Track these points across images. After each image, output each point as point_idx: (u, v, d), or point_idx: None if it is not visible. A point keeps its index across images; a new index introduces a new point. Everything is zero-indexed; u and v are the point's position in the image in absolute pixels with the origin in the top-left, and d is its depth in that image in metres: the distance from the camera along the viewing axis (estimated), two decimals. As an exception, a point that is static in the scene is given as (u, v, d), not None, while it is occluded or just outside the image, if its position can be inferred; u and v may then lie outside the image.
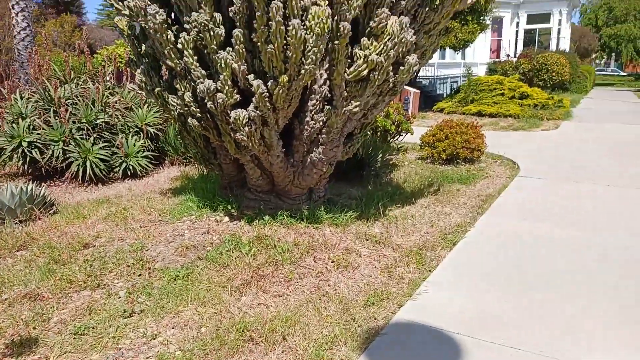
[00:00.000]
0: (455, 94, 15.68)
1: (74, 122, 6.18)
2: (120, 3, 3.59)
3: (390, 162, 7.25)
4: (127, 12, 3.44)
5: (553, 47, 25.00)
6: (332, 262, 3.45)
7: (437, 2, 3.49)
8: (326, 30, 2.91)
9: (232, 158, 4.15)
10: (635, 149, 8.11)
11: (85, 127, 6.19)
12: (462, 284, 3.16)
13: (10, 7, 9.78)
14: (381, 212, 4.49)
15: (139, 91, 4.06)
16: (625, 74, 46.93)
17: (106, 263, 3.45)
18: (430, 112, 14.70)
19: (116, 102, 6.59)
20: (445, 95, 17.66)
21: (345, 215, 4.26)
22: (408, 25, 3.10)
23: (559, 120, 11.77)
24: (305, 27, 2.93)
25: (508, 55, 23.32)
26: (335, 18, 3.06)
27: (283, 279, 3.20)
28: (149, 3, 3.12)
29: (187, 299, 2.94)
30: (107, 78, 7.75)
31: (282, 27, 2.88)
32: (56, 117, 6.15)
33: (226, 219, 4.21)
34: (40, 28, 24.62)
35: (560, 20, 25.64)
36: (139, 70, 3.93)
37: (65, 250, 3.68)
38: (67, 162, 6.00)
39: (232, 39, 3.01)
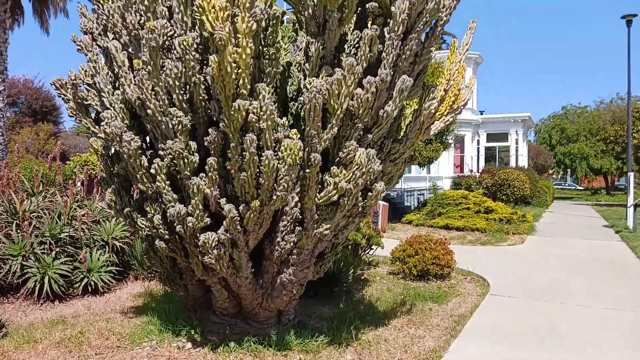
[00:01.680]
0: (423, 206, 16.12)
1: (36, 236, 6.00)
2: (97, 127, 3.69)
3: (362, 278, 7.17)
4: (102, 135, 3.53)
5: (513, 163, 26.54)
6: (301, 395, 3.23)
7: (402, 135, 3.71)
8: (297, 161, 3.02)
9: (198, 279, 4.03)
10: (598, 266, 8.30)
11: (48, 241, 6.00)
12: (438, 422, 2.98)
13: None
14: (353, 336, 4.34)
15: (108, 210, 4.03)
16: (582, 188, 49.63)
17: (53, 399, 3.15)
18: (399, 224, 14.94)
19: (83, 215, 6.49)
20: (412, 208, 18.12)
21: (316, 341, 4.09)
22: (375, 156, 3.26)
23: (524, 235, 12.10)
24: (277, 157, 3.04)
25: (471, 171, 24.53)
26: (307, 149, 3.20)
27: (247, 417, 2.96)
28: (125, 130, 3.22)
29: None
30: (78, 185, 7.73)
31: (255, 157, 2.98)
32: (18, 231, 5.97)
33: (189, 345, 3.98)
34: (15, 135, 24.83)
35: (517, 140, 27.57)
36: (109, 190, 3.94)
37: (9, 383, 3.37)
38: (24, 277, 5.72)
39: (206, 167, 3.09)
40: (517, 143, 27.66)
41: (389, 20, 3.07)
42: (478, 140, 27.70)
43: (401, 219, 15.56)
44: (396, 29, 3.00)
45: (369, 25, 3.45)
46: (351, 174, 3.36)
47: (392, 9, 2.98)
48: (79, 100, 3.65)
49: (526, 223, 13.51)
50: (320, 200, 3.48)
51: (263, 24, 2.93)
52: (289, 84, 3.95)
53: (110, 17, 3.24)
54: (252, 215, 3.24)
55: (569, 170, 42.33)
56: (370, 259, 8.11)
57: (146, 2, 3.00)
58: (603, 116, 37.08)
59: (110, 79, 3.51)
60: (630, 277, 7.40)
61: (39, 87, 31.49)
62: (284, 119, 3.25)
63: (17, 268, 5.65)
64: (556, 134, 38.79)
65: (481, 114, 29.24)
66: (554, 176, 51.72)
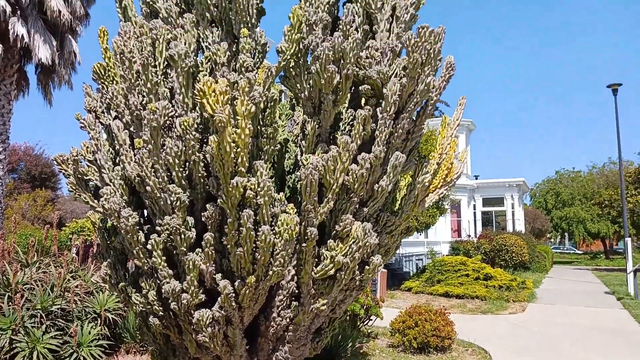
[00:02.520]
0: (422, 273, 15.94)
1: (27, 309, 5.88)
2: (96, 201, 3.73)
3: (361, 351, 6.97)
4: (101, 210, 3.56)
5: (510, 228, 26.54)
6: None
7: (397, 207, 3.76)
8: (294, 236, 3.04)
9: (191, 356, 3.92)
10: (601, 336, 8.10)
11: (39, 314, 5.87)
12: None
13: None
14: (351, 417, 4.17)
15: (103, 284, 3.99)
16: (580, 252, 49.28)
17: None
18: (399, 291, 14.71)
19: (77, 286, 6.39)
20: (411, 274, 17.90)
21: (312, 422, 3.91)
22: (371, 230, 3.28)
23: (525, 302, 11.90)
24: (274, 232, 3.06)
25: (469, 236, 24.47)
26: (303, 223, 3.23)
27: None
28: (124, 206, 3.25)
29: None
30: (73, 252, 7.65)
31: (252, 233, 3.00)
32: (10, 303, 5.85)
33: None
34: (13, 201, 24.84)
35: (513, 204, 27.73)
36: (105, 263, 3.91)
37: None
38: (13, 352, 5.54)
39: (203, 242, 3.10)
40: (513, 207, 27.82)
41: (381, 100, 3.21)
42: (474, 205, 27.86)
43: (400, 285, 15.35)
44: (388, 109, 3.13)
45: (362, 103, 3.60)
46: (348, 248, 3.36)
47: (384, 90, 3.12)
48: (79, 176, 3.71)
49: (526, 290, 13.33)
50: (317, 275, 3.46)
51: (261, 105, 3.06)
52: (286, 158, 4.05)
53: (114, 98, 3.37)
54: (247, 292, 3.21)
55: (566, 234, 42.23)
56: (369, 330, 7.92)
57: (149, 85, 3.14)
58: (596, 180, 37.56)
59: (111, 155, 3.59)
60: (635, 347, 7.21)
61: (40, 153, 31.90)
62: (281, 193, 3.31)
63: (5, 343, 5.49)
64: (551, 198, 39.06)
65: (476, 178, 29.59)
66: (552, 240, 51.49)
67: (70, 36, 14.51)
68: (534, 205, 40.96)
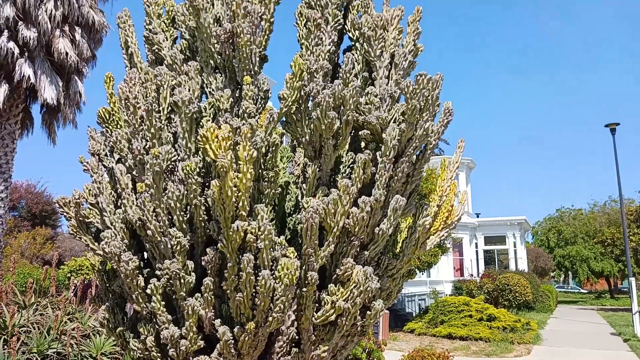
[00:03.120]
0: (424, 313, 15.68)
1: (23, 353, 5.77)
2: (96, 244, 3.73)
3: (362, 397, 6.79)
4: (101, 252, 3.55)
5: (512, 266, 26.27)
6: None
7: (398, 250, 3.75)
8: (294, 281, 3.02)
9: (190, 404, 3.82)
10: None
11: (35, 358, 5.76)
12: None
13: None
14: None
15: (101, 328, 3.93)
16: (585, 291, 48.54)
17: None
18: (401, 333, 14.43)
19: (73, 329, 6.29)
20: (414, 314, 17.60)
21: None
22: (372, 274, 3.27)
23: (530, 344, 11.65)
24: (274, 276, 3.04)
25: (471, 275, 24.20)
26: (304, 267, 3.21)
27: None
28: (124, 250, 3.25)
29: None
30: (71, 294, 7.57)
31: (252, 278, 2.99)
32: (5, 347, 5.75)
33: None
34: (12, 239, 24.73)
35: (515, 242, 27.54)
36: (103, 307, 3.87)
37: None
38: (4, 399, 5.41)
39: (202, 287, 3.08)
40: (515, 246, 27.62)
41: (380, 145, 3.25)
42: (476, 243, 27.67)
43: (403, 326, 15.07)
44: (388, 153, 3.17)
45: (362, 147, 3.64)
46: (349, 292, 3.33)
47: (384, 135, 3.17)
48: (81, 219, 3.72)
49: (531, 331, 13.09)
50: (318, 320, 3.41)
51: (263, 150, 3.10)
52: (287, 200, 4.06)
53: (118, 142, 3.42)
54: (247, 338, 3.16)
55: (570, 272, 41.72)
56: (370, 374, 7.72)
57: (152, 130, 3.19)
58: (598, 218, 37.38)
59: (113, 198, 3.61)
60: (645, 393, 7.02)
61: (41, 191, 31.93)
62: (282, 237, 3.31)
63: (-2, 388, 5.37)
64: (553, 236, 38.76)
65: (477, 216, 29.50)
66: (556, 279, 50.85)
67: (76, 77, 14.80)
68: (536, 243, 40.58)
